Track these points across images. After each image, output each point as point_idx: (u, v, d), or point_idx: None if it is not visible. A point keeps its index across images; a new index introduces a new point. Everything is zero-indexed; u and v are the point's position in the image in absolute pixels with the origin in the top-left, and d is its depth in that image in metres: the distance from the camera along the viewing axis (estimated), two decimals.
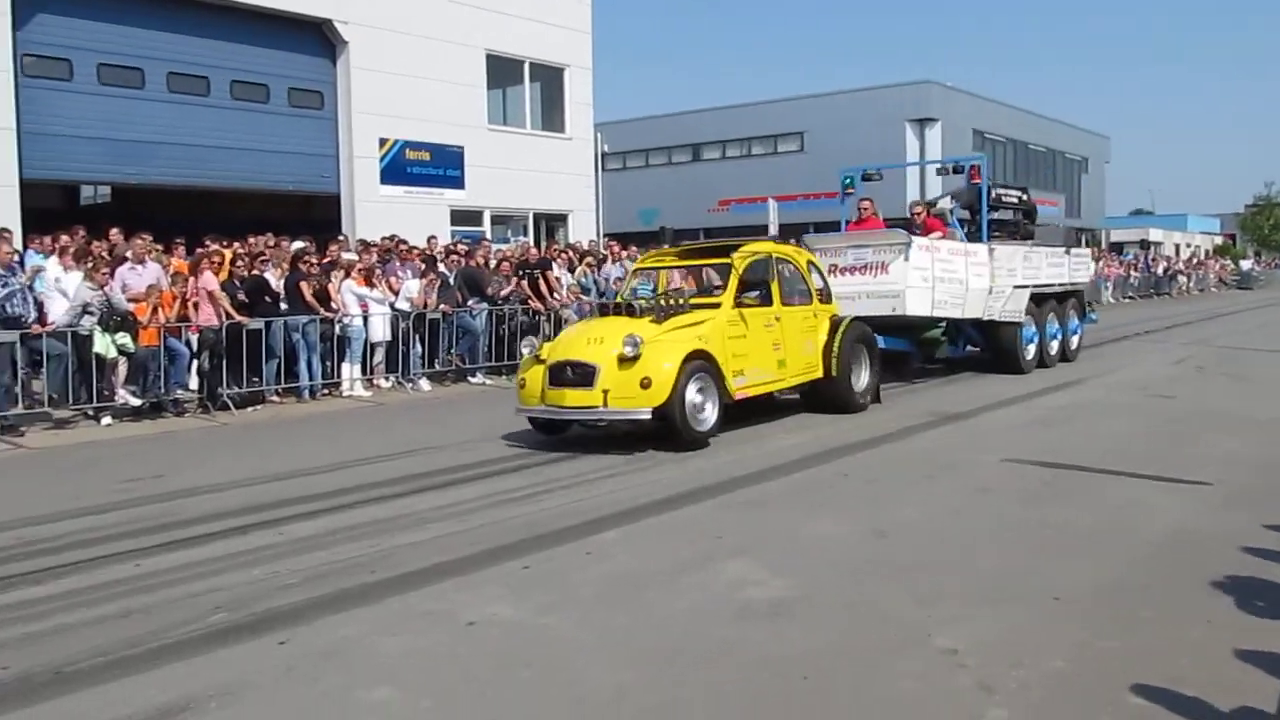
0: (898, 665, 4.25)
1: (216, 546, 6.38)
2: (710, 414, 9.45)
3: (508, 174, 23.55)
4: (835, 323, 11.32)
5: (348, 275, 14.33)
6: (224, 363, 12.55)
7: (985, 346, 15.02)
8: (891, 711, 3.84)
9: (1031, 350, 15.09)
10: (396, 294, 14.86)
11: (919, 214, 14.73)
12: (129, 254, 12.88)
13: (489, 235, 22.23)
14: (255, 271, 13.48)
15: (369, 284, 14.45)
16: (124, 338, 11.65)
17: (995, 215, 15.45)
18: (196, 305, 12.57)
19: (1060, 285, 16.08)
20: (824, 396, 11.22)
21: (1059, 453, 8.65)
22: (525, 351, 10.51)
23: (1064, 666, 4.21)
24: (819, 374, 11.08)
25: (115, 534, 6.71)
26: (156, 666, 4.42)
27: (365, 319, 14.17)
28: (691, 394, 9.23)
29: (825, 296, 11.59)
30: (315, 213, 21.33)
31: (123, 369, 11.90)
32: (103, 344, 11.49)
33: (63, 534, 6.75)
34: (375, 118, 21.41)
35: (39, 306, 11.92)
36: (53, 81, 17.51)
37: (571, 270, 18.51)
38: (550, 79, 25.50)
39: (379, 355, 14.50)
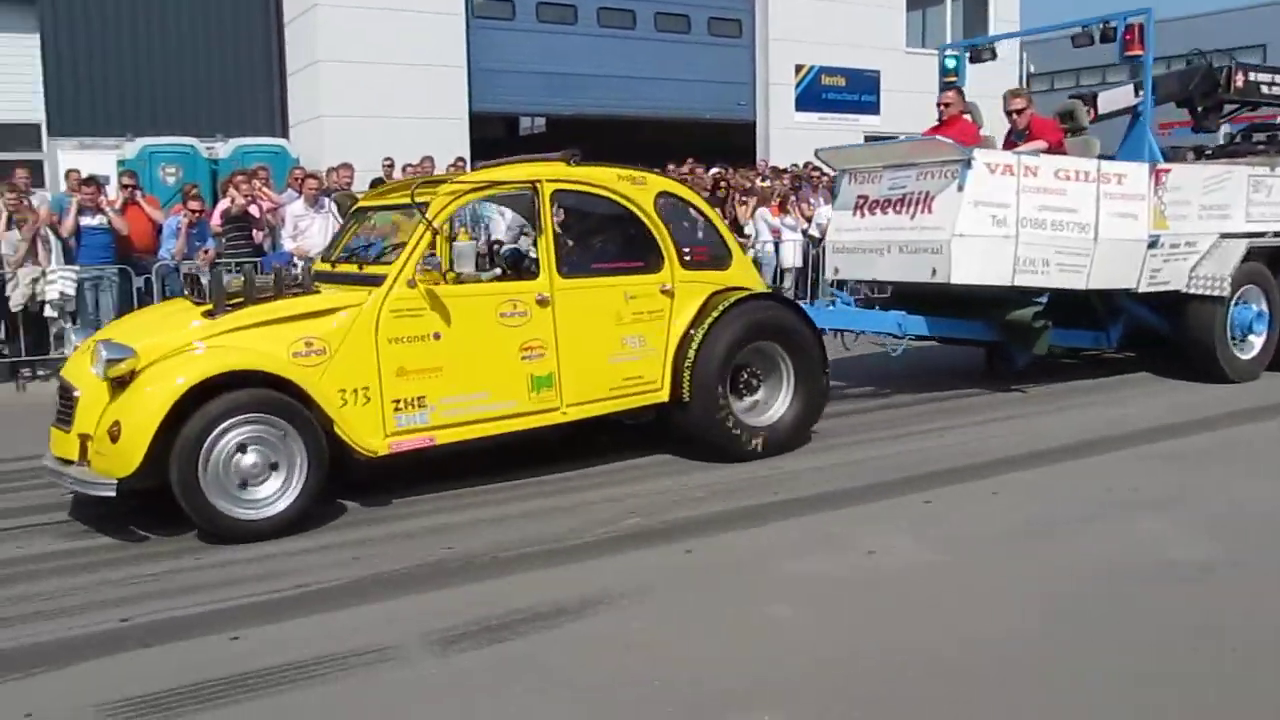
0: None
1: (635, 457, 6.81)
2: (277, 491, 5.21)
3: (926, 98, 22.75)
4: (707, 305, 6.54)
5: (762, 203, 14.58)
6: None
7: (1168, 334, 9.29)
8: None
9: (1257, 343, 9.19)
10: (809, 220, 14.94)
11: (1018, 109, 9.01)
12: None
13: None
14: None
15: (782, 211, 14.63)
16: None
17: (1235, 111, 10.47)
18: None
19: None
20: (680, 431, 6.67)
21: None
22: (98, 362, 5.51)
23: None
24: (661, 395, 6.44)
25: (547, 439, 7.34)
26: (577, 560, 4.82)
27: (776, 245, 14.38)
28: (224, 452, 5.07)
29: (706, 258, 6.76)
30: (732, 140, 21.78)
31: None
32: None
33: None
34: (791, 44, 21.41)
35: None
36: (497, 21, 18.97)
37: None
38: None
39: (788, 281, 14.68)
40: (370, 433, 5.54)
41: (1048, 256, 8.14)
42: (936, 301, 8.57)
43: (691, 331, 6.42)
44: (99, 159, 14.65)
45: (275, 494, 5.22)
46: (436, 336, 5.73)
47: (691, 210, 6.92)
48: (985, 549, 4.95)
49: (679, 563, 4.78)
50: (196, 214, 11.21)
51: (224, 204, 11.73)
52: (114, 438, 5.00)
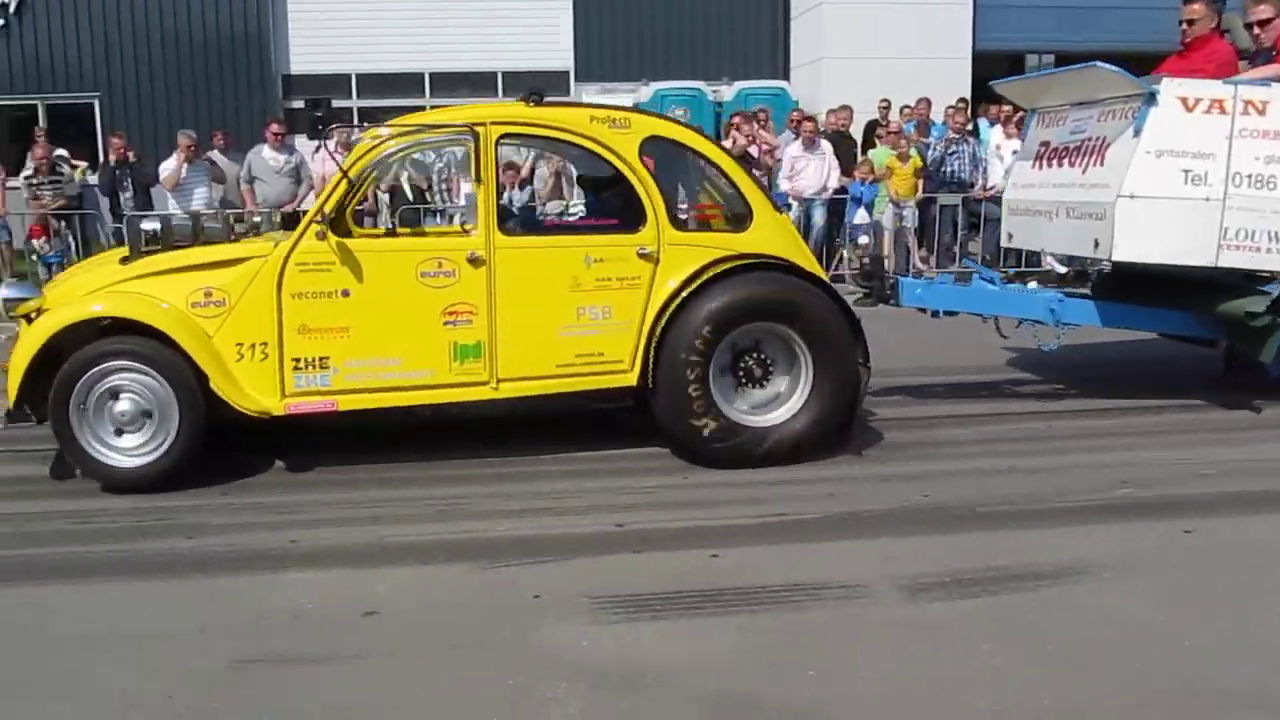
0: None
1: (1129, 420, 6.33)
2: (146, 443, 5.10)
3: None
4: (698, 274, 5.39)
5: None
6: None
7: None
8: None
9: None
10: None
11: (1262, 19, 6.46)
12: None
13: None
14: None
15: None
16: None
17: None
18: None
19: None
20: (654, 419, 5.59)
21: None
22: None
23: None
24: (629, 378, 5.47)
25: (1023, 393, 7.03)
26: (1060, 524, 4.57)
27: None
28: (97, 396, 5.05)
29: (713, 217, 5.97)
30: None
31: None
32: None
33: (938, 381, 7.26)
34: None
35: (984, 172, 12.69)
36: None
37: None
38: None
39: None
40: (266, 391, 5.22)
41: (1277, 228, 6.03)
42: (1167, 286, 6.55)
43: (665, 309, 5.35)
44: (618, 102, 15.88)
45: (143, 445, 5.10)
46: (345, 294, 5.24)
47: (698, 160, 5.83)
48: None
49: (1175, 542, 4.38)
50: None
51: (725, 144, 12.28)
52: (4, 372, 5.16)
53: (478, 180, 5.43)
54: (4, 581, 4.16)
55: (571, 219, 6.72)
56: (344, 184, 5.31)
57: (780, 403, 5.55)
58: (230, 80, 17.76)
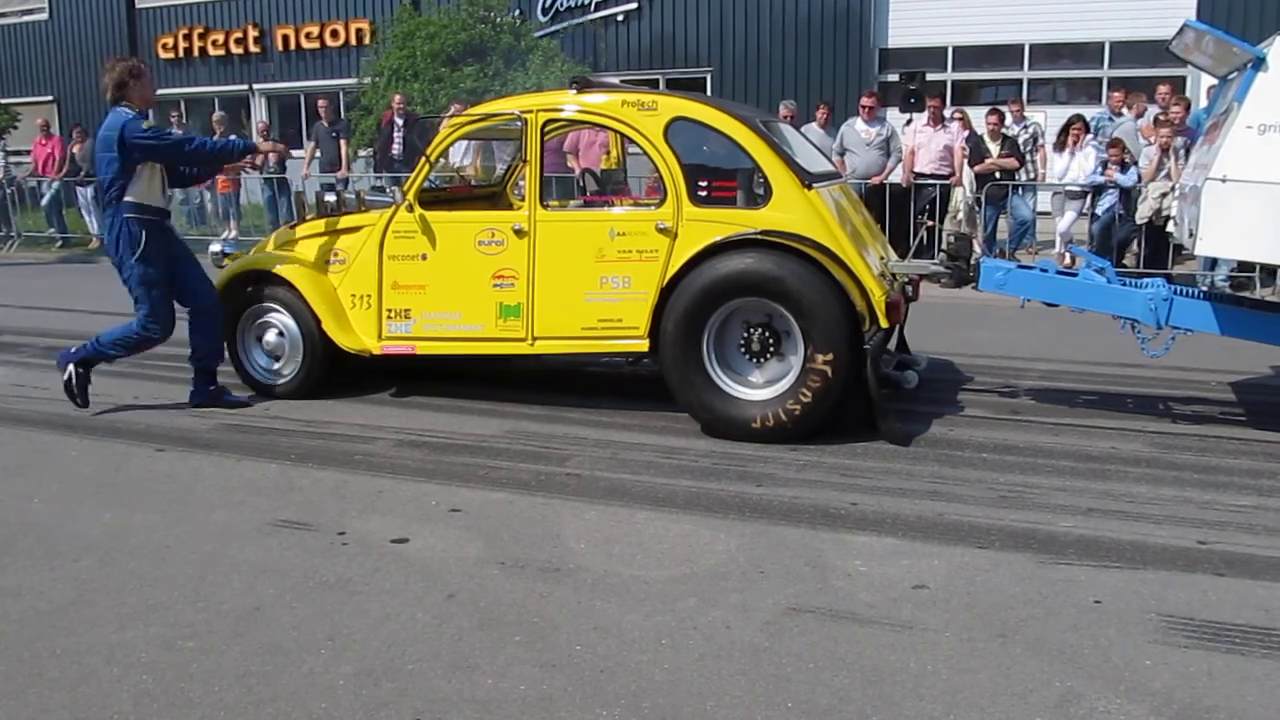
0: None
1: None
2: (281, 366, 6.60)
3: None
4: (698, 251, 5.56)
5: None
6: None
7: None
8: None
9: None
10: None
11: None
12: None
13: None
14: None
15: None
16: None
17: None
18: None
19: None
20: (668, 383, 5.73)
21: None
22: None
23: None
24: (642, 344, 5.76)
25: None
26: None
27: None
28: (253, 327, 6.61)
29: (730, 194, 5.79)
30: None
31: None
32: None
33: None
34: None
35: None
36: None
37: None
38: None
39: None
40: (368, 334, 6.29)
41: None
42: None
43: (680, 277, 5.62)
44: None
45: (280, 368, 6.56)
46: (424, 257, 6.17)
47: (720, 139, 5.83)
48: None
49: None
50: None
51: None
52: None
53: (525, 160, 6.19)
54: (598, 499, 4.74)
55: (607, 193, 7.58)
56: (427, 165, 6.29)
57: (774, 380, 5.62)
58: (830, 54, 18.39)
